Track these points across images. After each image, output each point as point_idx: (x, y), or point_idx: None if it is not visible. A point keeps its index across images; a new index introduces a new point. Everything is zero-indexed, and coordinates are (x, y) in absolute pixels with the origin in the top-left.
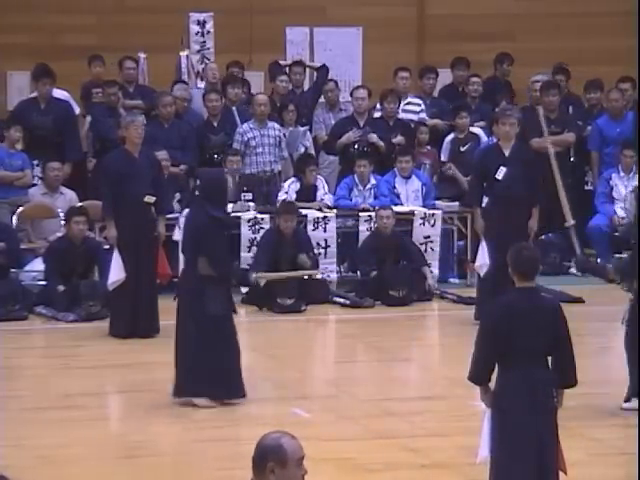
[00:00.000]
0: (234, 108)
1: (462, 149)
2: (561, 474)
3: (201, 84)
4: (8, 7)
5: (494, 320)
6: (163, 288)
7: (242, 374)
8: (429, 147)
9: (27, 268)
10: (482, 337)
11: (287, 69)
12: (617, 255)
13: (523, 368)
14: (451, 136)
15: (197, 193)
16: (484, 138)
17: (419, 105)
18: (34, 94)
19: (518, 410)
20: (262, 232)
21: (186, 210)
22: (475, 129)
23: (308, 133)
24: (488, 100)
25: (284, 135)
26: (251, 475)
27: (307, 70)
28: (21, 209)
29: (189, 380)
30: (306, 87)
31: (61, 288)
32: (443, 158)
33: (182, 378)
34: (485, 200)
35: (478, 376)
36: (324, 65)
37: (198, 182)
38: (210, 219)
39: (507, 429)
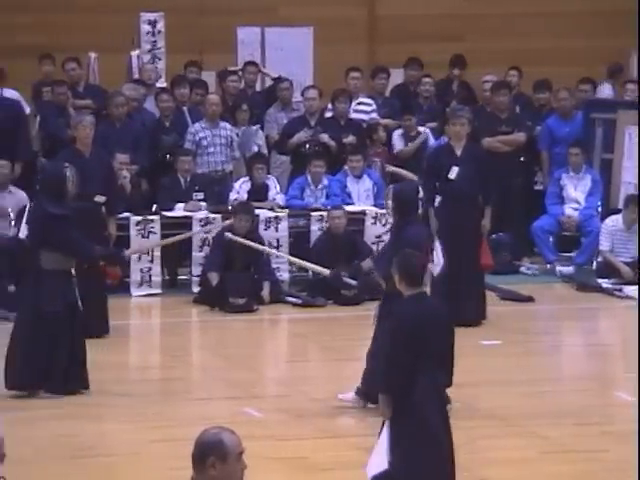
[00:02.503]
0: (185, 108)
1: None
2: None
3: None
4: None
5: (408, 327)
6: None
7: (85, 366)
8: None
9: None
10: (396, 345)
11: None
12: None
13: (431, 372)
14: (400, 131)
15: (37, 188)
16: (431, 138)
17: (370, 105)
18: None
19: (435, 415)
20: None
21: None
22: (420, 128)
23: (260, 132)
24: (440, 101)
25: (236, 135)
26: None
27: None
28: None
29: (24, 373)
30: (258, 86)
31: None
32: (396, 151)
33: (17, 370)
34: (438, 200)
35: (392, 386)
36: (280, 77)
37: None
38: (48, 215)
39: (427, 433)
